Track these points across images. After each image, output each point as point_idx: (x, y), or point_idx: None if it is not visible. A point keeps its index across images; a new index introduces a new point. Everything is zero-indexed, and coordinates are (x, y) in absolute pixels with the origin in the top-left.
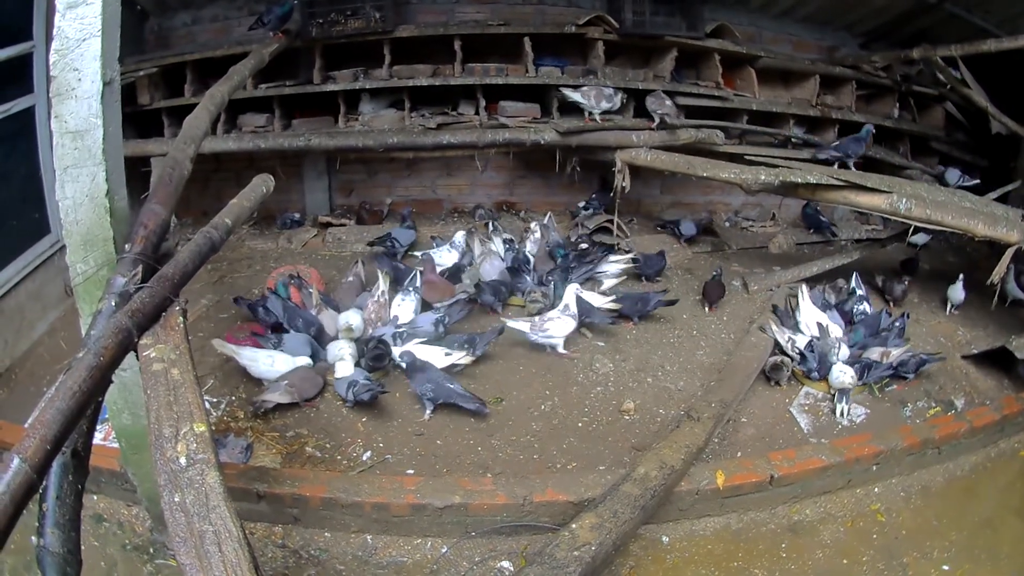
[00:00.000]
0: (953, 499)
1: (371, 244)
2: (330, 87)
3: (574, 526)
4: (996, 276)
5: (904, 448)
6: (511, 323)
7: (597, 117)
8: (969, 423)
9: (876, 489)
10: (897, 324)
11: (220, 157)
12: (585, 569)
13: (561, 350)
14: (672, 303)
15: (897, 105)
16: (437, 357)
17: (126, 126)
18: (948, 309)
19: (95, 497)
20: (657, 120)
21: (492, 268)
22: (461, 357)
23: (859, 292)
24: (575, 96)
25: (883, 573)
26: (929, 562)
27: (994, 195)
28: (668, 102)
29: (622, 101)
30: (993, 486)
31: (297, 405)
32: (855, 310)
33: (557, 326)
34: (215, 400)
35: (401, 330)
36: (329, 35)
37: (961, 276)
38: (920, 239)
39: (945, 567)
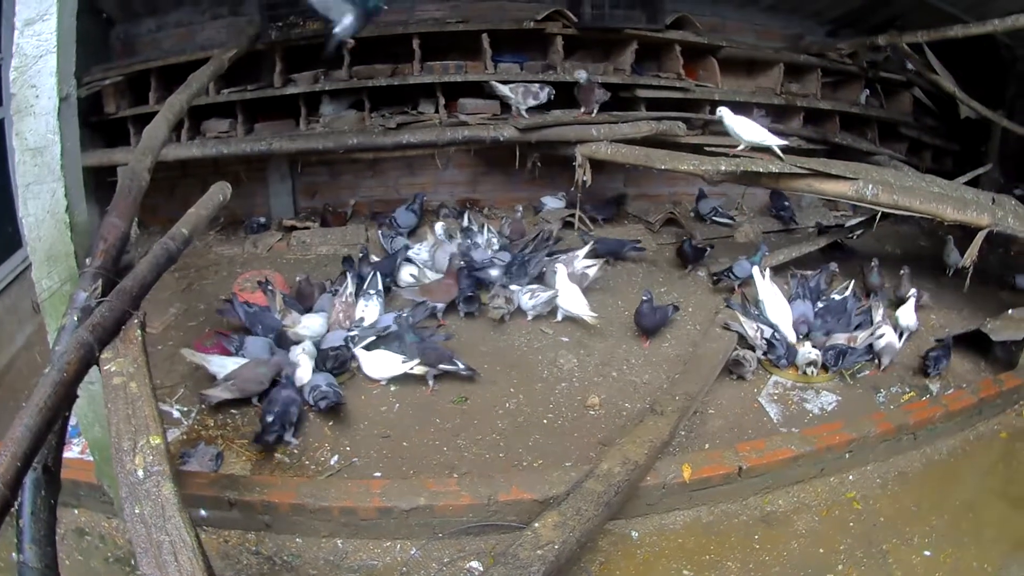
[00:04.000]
0: (932, 484)
1: (380, 226)
2: (291, 90)
3: (537, 525)
4: (968, 260)
5: (878, 435)
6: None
7: (524, 113)
8: (945, 407)
9: (851, 477)
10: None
11: (186, 164)
12: (549, 568)
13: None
14: (641, 250)
15: (865, 92)
16: (393, 364)
17: (95, 136)
18: (948, 272)
19: (76, 511)
20: (594, 108)
21: (444, 257)
22: (415, 365)
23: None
24: (503, 90)
25: (862, 561)
26: (910, 548)
27: (964, 178)
28: (603, 95)
29: (549, 96)
30: (974, 469)
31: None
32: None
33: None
34: (186, 409)
35: (354, 333)
36: (289, 37)
37: (951, 238)
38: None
39: (926, 552)
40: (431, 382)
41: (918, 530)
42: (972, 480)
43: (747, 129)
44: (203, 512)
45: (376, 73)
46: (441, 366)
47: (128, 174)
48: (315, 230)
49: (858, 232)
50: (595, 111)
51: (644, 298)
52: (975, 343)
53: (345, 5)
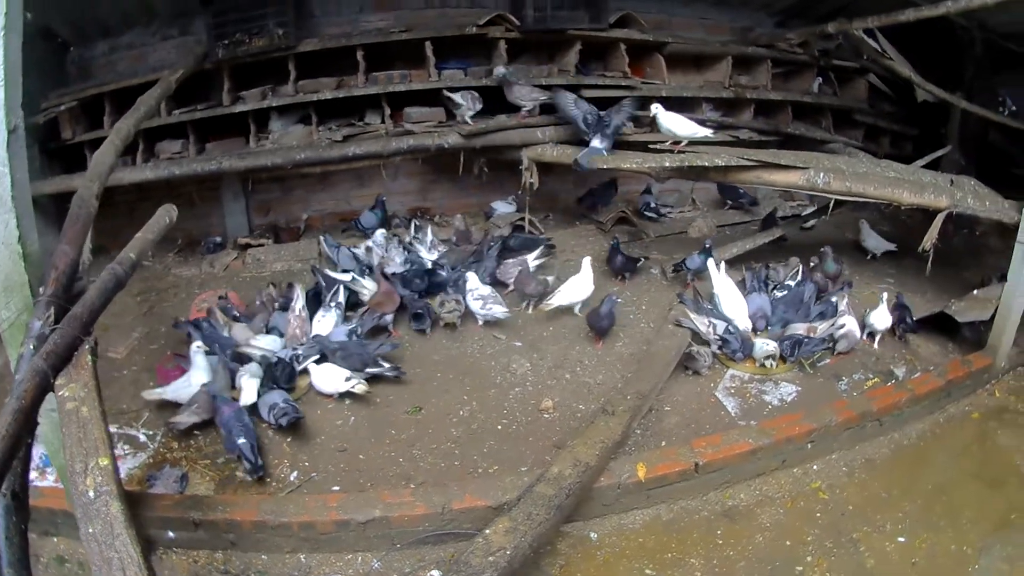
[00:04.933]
0: (902, 469)
1: (344, 231)
2: (240, 108)
3: (488, 531)
4: (928, 242)
5: (840, 423)
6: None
7: (468, 119)
8: (911, 391)
9: (815, 467)
10: (833, 299)
11: (142, 187)
12: (501, 573)
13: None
14: (552, 246)
15: (819, 80)
16: (338, 380)
17: (53, 162)
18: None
19: (55, 539)
20: (528, 108)
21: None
22: (357, 384)
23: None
24: (457, 98)
25: (832, 551)
26: (882, 535)
27: (922, 162)
28: (531, 92)
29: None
30: (946, 452)
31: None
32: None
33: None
34: (151, 432)
35: (298, 352)
36: (236, 55)
37: (864, 223)
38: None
39: (901, 539)
40: (359, 389)
41: (890, 517)
42: (945, 463)
43: (679, 125)
44: (171, 534)
45: (322, 87)
46: (368, 370)
47: (77, 201)
48: (269, 247)
49: (812, 222)
50: (535, 110)
51: (608, 300)
52: (941, 325)
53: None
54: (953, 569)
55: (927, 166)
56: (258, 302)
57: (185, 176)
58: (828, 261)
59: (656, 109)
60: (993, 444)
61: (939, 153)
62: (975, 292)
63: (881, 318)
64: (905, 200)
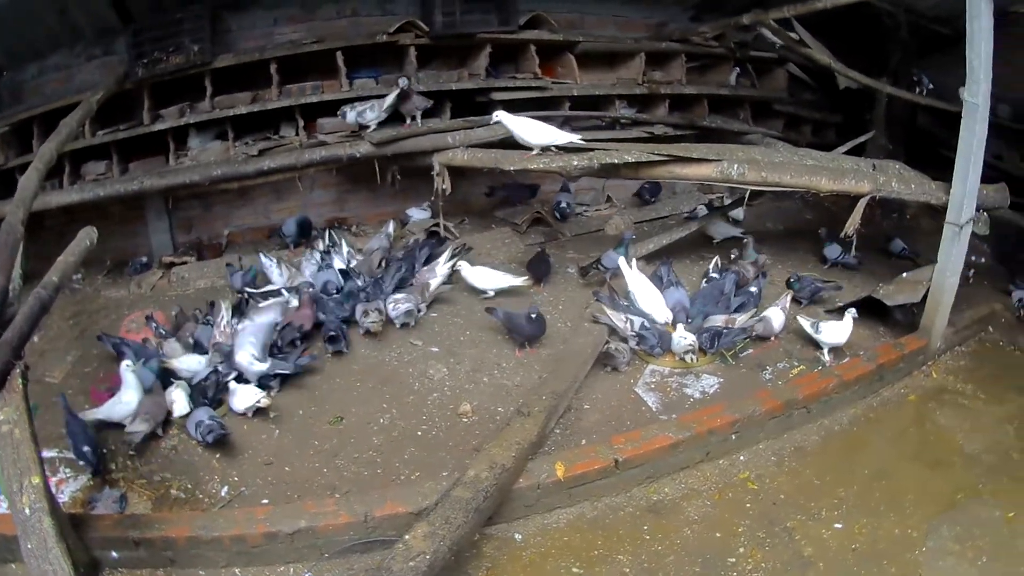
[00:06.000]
0: (834, 456)
1: (269, 236)
2: (159, 126)
3: (408, 537)
4: (850, 228)
5: (764, 412)
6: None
7: (373, 128)
8: (839, 377)
9: (742, 457)
10: (752, 289)
11: (70, 210)
12: None
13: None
14: (469, 249)
15: (736, 72)
16: (249, 398)
17: None
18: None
19: (13, 565)
20: (416, 115)
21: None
22: (262, 398)
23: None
24: (351, 116)
25: (765, 541)
26: (818, 523)
27: (844, 148)
28: (419, 97)
29: (386, 110)
30: (882, 436)
31: (158, 447)
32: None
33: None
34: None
35: (219, 371)
36: (155, 73)
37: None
38: (738, 214)
39: (837, 525)
40: (264, 403)
41: (825, 504)
42: (882, 447)
43: (532, 132)
44: (114, 554)
45: (237, 102)
46: (277, 369)
47: (5, 228)
48: (193, 264)
49: (738, 212)
50: (418, 118)
51: (531, 314)
52: (872, 310)
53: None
54: (898, 553)
55: (853, 152)
56: (182, 319)
57: (109, 197)
58: (749, 250)
59: (499, 116)
60: (933, 425)
61: (862, 139)
62: (904, 275)
63: (840, 332)
64: (824, 187)
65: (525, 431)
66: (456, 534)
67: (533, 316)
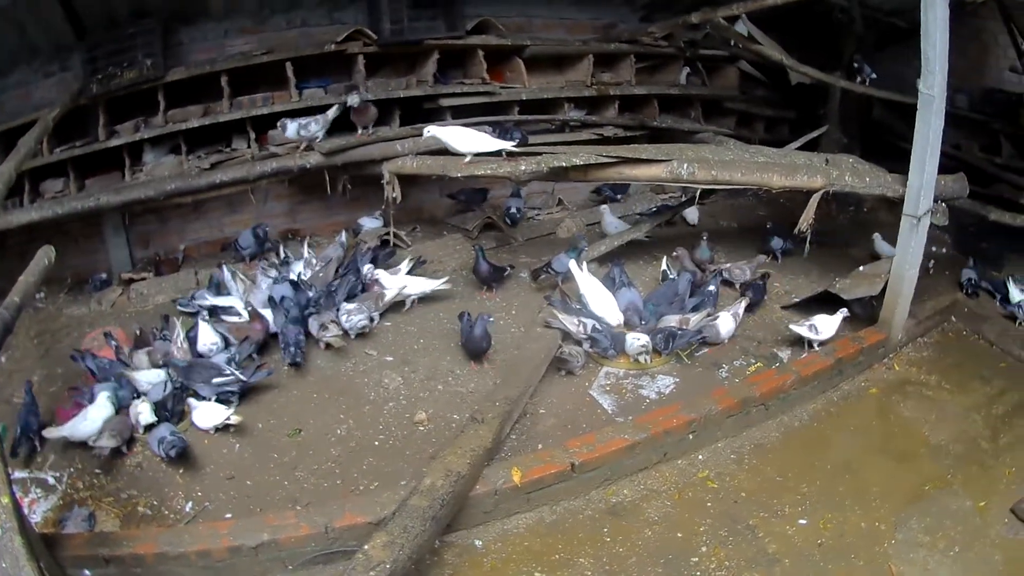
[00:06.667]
0: (795, 451)
1: (224, 248)
2: (115, 142)
3: (367, 547)
4: (803, 224)
5: (721, 411)
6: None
7: (321, 135)
8: (796, 373)
9: (701, 456)
10: (710, 288)
11: (31, 228)
12: None
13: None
14: (423, 263)
15: (686, 71)
16: (215, 416)
17: None
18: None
19: None
20: (368, 126)
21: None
22: (231, 415)
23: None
24: (291, 132)
25: (728, 540)
26: (781, 519)
27: (796, 144)
28: (373, 111)
29: (324, 124)
30: (844, 430)
31: (124, 465)
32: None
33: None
34: (58, 475)
35: (177, 386)
36: (109, 89)
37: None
38: (692, 216)
39: (802, 521)
40: (234, 420)
41: (787, 500)
42: (844, 441)
43: (463, 140)
44: (86, 572)
45: (190, 115)
46: (222, 381)
47: None
48: (151, 280)
49: (679, 210)
50: (369, 128)
51: (480, 320)
52: (829, 305)
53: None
54: (866, 546)
55: (808, 147)
56: (144, 336)
57: (67, 215)
58: (702, 248)
59: (429, 131)
60: (897, 417)
61: (814, 134)
62: (860, 268)
63: (829, 325)
64: (775, 184)
65: (480, 438)
66: (415, 543)
67: (478, 332)
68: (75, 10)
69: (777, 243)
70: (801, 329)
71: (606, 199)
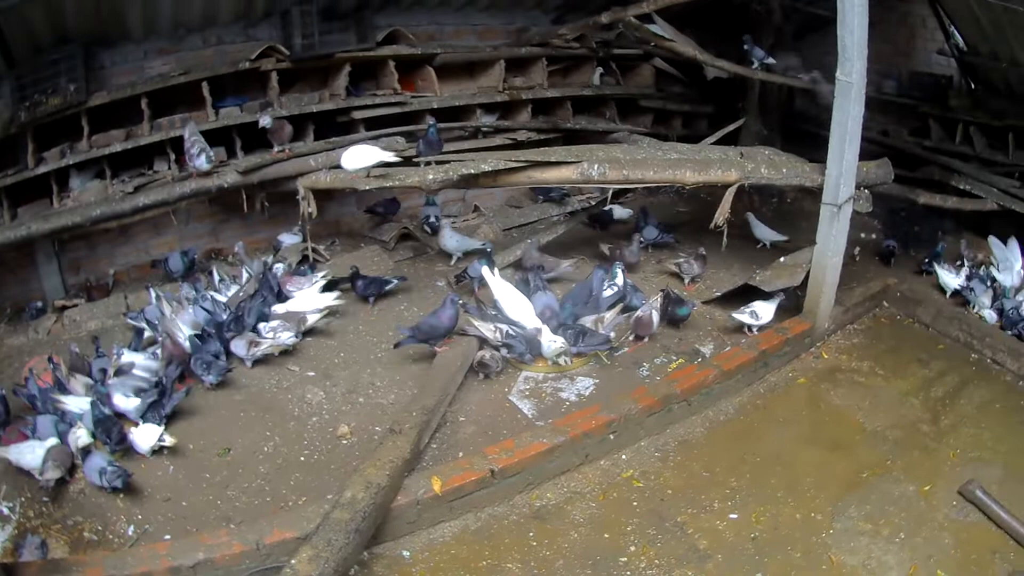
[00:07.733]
0: (722, 446)
1: (154, 265)
2: (43, 169)
3: (293, 561)
4: (720, 218)
5: (641, 410)
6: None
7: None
8: (719, 368)
9: (624, 456)
10: (618, 281)
11: None
12: None
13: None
14: (337, 282)
15: (600, 71)
16: (153, 433)
17: None
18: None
19: None
20: (284, 145)
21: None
22: (164, 435)
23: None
24: (192, 153)
25: (657, 538)
26: (711, 515)
27: (712, 139)
28: (266, 117)
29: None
30: (773, 421)
31: (68, 492)
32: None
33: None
34: (11, 504)
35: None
36: (35, 116)
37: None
38: (623, 213)
39: (732, 515)
40: (166, 439)
41: (716, 495)
42: (774, 433)
43: (350, 158)
44: None
45: (112, 139)
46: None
47: None
48: (83, 306)
49: (593, 211)
50: (286, 146)
51: (404, 334)
52: (751, 297)
53: None
54: (803, 537)
55: (726, 141)
56: (76, 362)
57: (1, 244)
58: (633, 247)
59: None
60: (828, 406)
61: (729, 128)
62: (782, 259)
63: (765, 311)
64: (688, 180)
65: (398, 449)
66: (339, 556)
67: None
68: (4, 40)
69: (650, 233)
70: (743, 316)
71: (548, 199)
